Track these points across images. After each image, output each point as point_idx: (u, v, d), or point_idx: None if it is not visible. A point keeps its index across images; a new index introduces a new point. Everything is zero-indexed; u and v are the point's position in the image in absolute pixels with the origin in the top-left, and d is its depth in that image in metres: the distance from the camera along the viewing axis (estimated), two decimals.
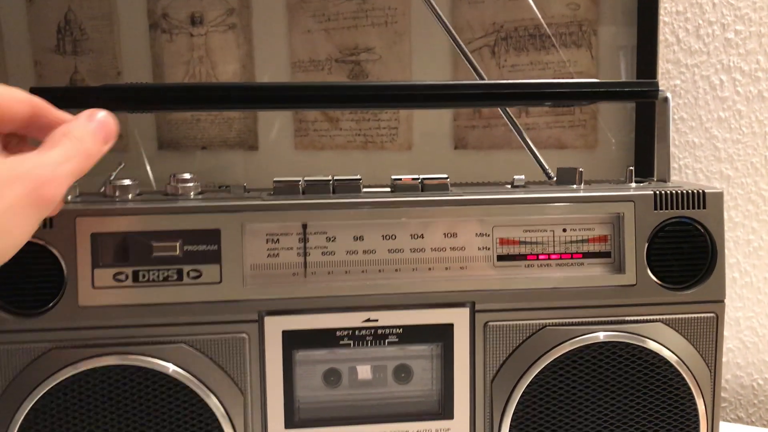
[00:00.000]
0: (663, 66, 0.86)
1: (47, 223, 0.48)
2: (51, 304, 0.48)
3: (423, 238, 0.51)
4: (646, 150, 0.84)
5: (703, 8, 0.85)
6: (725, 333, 0.86)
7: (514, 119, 0.66)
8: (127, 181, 0.52)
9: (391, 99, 0.56)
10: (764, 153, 0.85)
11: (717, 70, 0.85)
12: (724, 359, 0.87)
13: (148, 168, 1.01)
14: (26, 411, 0.48)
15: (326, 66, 0.99)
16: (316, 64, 1.00)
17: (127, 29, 1.11)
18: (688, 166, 0.87)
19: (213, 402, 0.49)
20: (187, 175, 0.53)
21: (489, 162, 0.93)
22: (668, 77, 0.86)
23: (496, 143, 0.92)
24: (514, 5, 0.90)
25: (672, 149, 0.86)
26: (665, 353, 0.52)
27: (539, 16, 0.88)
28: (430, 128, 0.95)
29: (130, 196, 0.52)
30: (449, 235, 0.52)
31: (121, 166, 0.55)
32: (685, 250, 0.53)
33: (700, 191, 0.53)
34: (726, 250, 0.80)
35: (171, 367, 0.48)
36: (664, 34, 0.85)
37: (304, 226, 0.51)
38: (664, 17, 0.85)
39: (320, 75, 1.01)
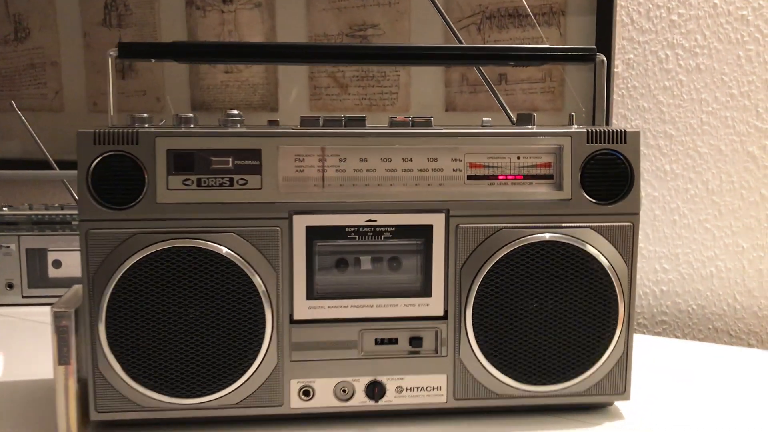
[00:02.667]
0: (619, 42, 1.02)
1: (134, 140, 0.65)
2: (136, 201, 0.65)
3: (412, 161, 0.68)
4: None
5: None
6: (667, 266, 1.04)
7: (490, 81, 0.82)
8: (190, 114, 0.69)
9: (388, 57, 0.73)
10: (700, 116, 1.02)
11: (663, 47, 1.01)
12: (665, 288, 1.04)
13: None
14: (116, 280, 0.65)
15: (337, 39, 1.16)
16: (329, 38, 1.17)
17: (165, 6, 1.30)
18: (638, 126, 1.04)
19: (256, 279, 0.66)
20: (234, 111, 0.70)
21: (475, 122, 1.10)
22: (623, 52, 1.03)
23: (481, 106, 1.09)
24: None
25: (625, 112, 1.03)
26: (600, 258, 0.69)
27: None
28: (425, 93, 1.12)
29: (192, 125, 0.69)
30: (431, 159, 0.69)
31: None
32: (610, 174, 0.70)
33: (622, 130, 0.70)
34: (668, 197, 0.98)
35: (224, 249, 0.66)
36: (621, 15, 1.02)
37: (323, 150, 0.68)
38: (620, 1, 1.01)
39: None
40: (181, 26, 1.32)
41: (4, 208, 1.17)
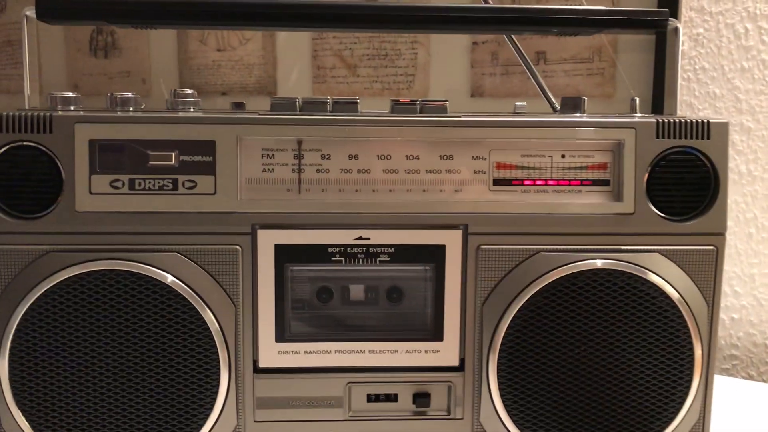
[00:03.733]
0: (686, 14, 0.84)
1: (46, 128, 0.49)
2: (49, 209, 0.49)
3: (419, 159, 0.51)
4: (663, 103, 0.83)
5: None
6: (739, 290, 0.85)
7: (526, 56, 0.64)
8: (128, 94, 0.53)
9: (404, 21, 0.55)
10: None
11: (742, 18, 0.83)
12: (737, 316, 0.86)
13: None
14: (23, 311, 0.49)
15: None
16: None
17: None
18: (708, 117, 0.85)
19: (208, 316, 0.50)
20: (188, 90, 0.54)
21: (505, 109, 0.92)
22: (691, 26, 0.84)
23: (513, 91, 0.91)
24: None
25: (691, 100, 0.84)
26: (666, 288, 0.51)
27: None
28: (447, 76, 0.95)
29: (131, 108, 0.52)
30: (445, 157, 0.51)
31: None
32: (687, 180, 0.52)
33: (705, 121, 0.52)
34: (743, 204, 0.79)
35: (166, 276, 0.49)
36: None
37: (299, 142, 0.51)
38: None
39: None
40: None
41: None
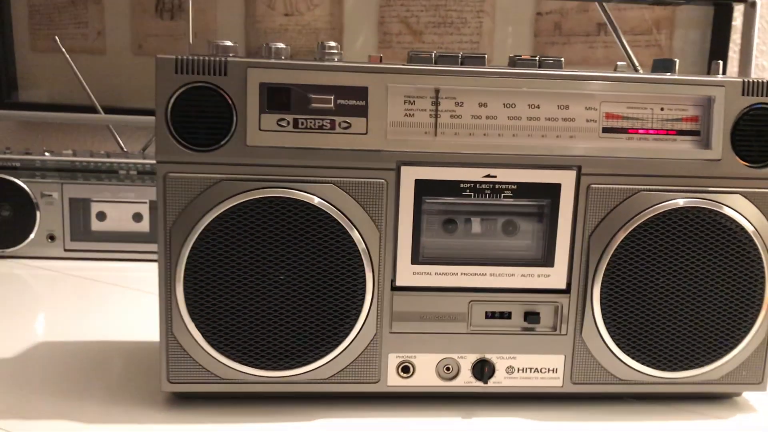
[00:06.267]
0: None
1: (222, 71, 0.56)
2: (223, 142, 0.56)
3: (539, 108, 0.59)
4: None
5: None
6: None
7: (613, 21, 0.72)
8: (281, 45, 0.60)
9: None
10: None
11: None
12: None
13: None
14: (198, 233, 0.56)
15: None
16: None
17: None
18: None
19: (356, 236, 0.57)
20: (332, 43, 0.61)
21: None
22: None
23: (574, 60, 0.99)
24: None
25: (764, 62, 0.92)
26: (741, 220, 0.60)
27: None
28: (511, 43, 1.02)
29: (283, 57, 0.59)
30: (562, 107, 0.59)
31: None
32: (766, 132, 0.60)
33: None
34: None
35: (322, 201, 0.57)
36: None
37: (437, 91, 0.58)
38: None
39: None
40: None
41: (46, 153, 1.08)
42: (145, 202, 1.08)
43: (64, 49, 1.13)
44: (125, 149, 1.21)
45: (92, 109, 1.22)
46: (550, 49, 0.99)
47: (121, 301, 0.92)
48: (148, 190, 1.07)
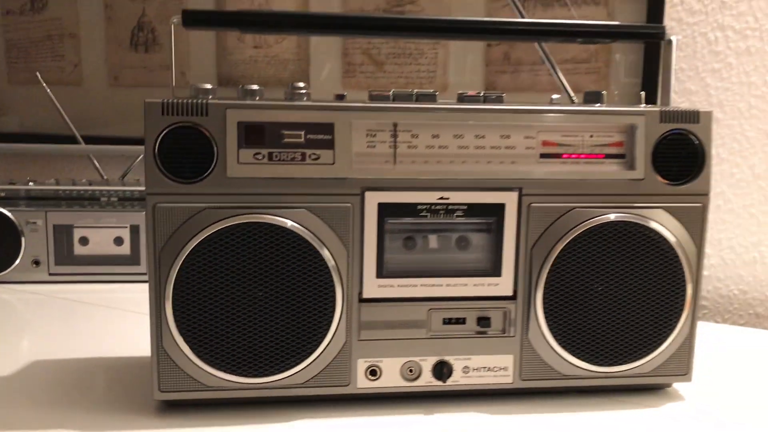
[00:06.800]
0: (668, 23, 1.01)
1: (203, 112, 0.63)
2: (205, 174, 0.64)
3: (484, 138, 0.67)
4: (648, 94, 1.00)
5: None
6: (708, 251, 1.03)
7: (550, 57, 0.81)
8: (255, 86, 0.67)
9: (449, 30, 0.71)
10: (749, 100, 1.01)
11: (713, 28, 1.01)
12: (706, 273, 1.04)
13: None
14: (184, 256, 0.63)
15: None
16: (365, 13, 1.14)
17: None
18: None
19: (326, 254, 0.65)
20: (301, 84, 0.68)
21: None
22: (671, 33, 1.01)
23: (522, 87, 1.08)
24: None
25: (672, 95, 1.02)
26: (664, 232, 0.68)
27: None
28: (464, 72, 1.11)
29: (257, 98, 0.67)
30: (504, 136, 0.67)
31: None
32: (682, 154, 0.69)
33: (696, 110, 0.69)
34: (713, 181, 0.97)
35: (296, 225, 0.64)
36: None
37: (395, 125, 0.66)
38: None
39: None
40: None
41: (30, 183, 1.14)
42: (125, 227, 1.14)
43: (45, 84, 1.19)
44: (105, 177, 1.27)
45: (71, 139, 1.27)
46: (500, 77, 1.08)
47: (106, 320, 0.98)
48: (128, 216, 1.14)
